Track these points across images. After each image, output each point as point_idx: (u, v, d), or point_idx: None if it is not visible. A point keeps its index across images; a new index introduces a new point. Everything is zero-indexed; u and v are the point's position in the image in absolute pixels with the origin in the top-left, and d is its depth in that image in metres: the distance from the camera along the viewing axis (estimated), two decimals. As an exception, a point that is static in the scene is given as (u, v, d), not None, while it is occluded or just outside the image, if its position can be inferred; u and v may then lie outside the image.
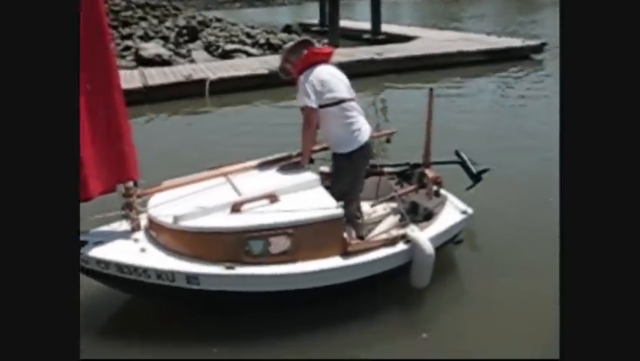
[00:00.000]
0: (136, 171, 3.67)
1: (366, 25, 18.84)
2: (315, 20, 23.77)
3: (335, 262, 3.52)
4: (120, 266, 3.38)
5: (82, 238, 3.50)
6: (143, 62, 13.25)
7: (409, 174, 4.52)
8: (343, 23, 18.93)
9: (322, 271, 3.47)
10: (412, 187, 4.42)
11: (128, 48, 14.23)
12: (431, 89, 4.18)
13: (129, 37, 15.01)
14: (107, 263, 3.39)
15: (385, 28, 18.43)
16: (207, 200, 3.56)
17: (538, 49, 14.16)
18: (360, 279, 3.61)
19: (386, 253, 3.65)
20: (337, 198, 3.69)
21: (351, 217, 3.92)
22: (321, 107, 3.73)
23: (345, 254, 3.56)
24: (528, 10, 29.93)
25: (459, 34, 17.12)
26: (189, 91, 10.96)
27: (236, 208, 3.47)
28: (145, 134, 8.94)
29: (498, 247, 4.48)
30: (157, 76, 11.59)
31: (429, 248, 3.65)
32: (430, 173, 4.30)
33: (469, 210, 4.15)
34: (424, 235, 3.74)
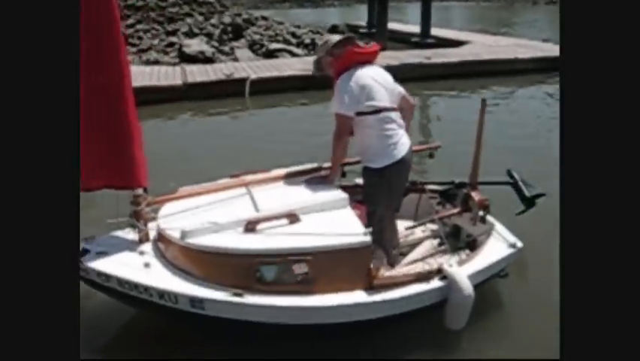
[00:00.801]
0: (145, 178, 3.38)
1: (416, 29, 18.27)
2: (363, 22, 23.31)
3: (358, 296, 3.06)
4: (121, 281, 3.10)
5: (85, 246, 3.28)
6: (185, 58, 13.10)
7: (452, 194, 4.00)
8: (392, 26, 18.45)
9: (342, 307, 3.02)
10: (454, 210, 3.91)
11: (172, 44, 14.10)
12: (484, 100, 3.65)
13: (174, 33, 14.90)
14: (107, 276, 3.13)
15: (435, 31, 17.80)
16: (221, 214, 3.20)
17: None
18: (386, 317, 3.15)
19: (417, 290, 3.17)
20: (368, 217, 3.28)
21: (382, 241, 3.44)
22: (357, 114, 3.29)
23: (371, 288, 3.09)
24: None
25: (512, 40, 16.36)
26: (229, 90, 10.69)
27: (250, 227, 3.08)
28: (178, 133, 8.84)
29: (547, 283, 3.88)
30: (198, 73, 11.38)
31: (467, 288, 3.15)
32: (476, 195, 3.77)
33: (519, 244, 3.61)
34: (463, 272, 3.23)
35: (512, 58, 12.64)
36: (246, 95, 10.70)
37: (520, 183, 4.11)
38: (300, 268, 2.97)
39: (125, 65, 3.27)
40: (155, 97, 10.02)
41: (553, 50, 13.90)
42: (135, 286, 3.08)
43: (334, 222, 3.15)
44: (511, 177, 4.21)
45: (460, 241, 3.88)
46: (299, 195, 3.38)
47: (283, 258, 2.96)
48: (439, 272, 3.25)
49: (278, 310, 2.97)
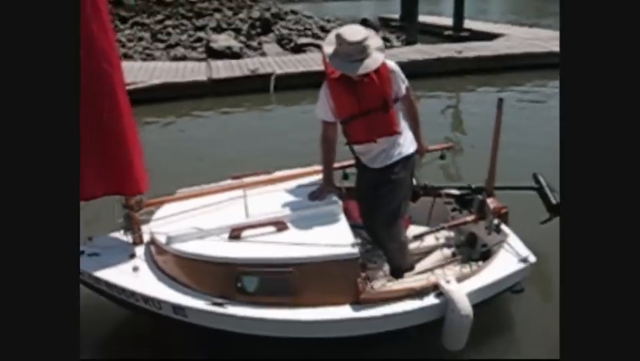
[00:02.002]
0: (144, 183, 3.30)
1: (449, 21, 17.79)
2: (396, 15, 22.90)
3: (343, 312, 2.87)
4: (109, 285, 3.13)
5: (80, 247, 3.27)
6: (213, 54, 13.04)
7: (468, 200, 3.72)
8: (423, 18, 18.03)
9: (325, 322, 2.84)
10: (468, 217, 3.63)
11: (199, 40, 14.07)
12: (500, 100, 3.34)
13: (202, 28, 14.88)
14: (97, 279, 3.16)
15: (469, 24, 17.28)
16: (210, 219, 3.11)
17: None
18: (373, 335, 2.94)
19: (408, 308, 2.93)
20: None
21: (387, 250, 3.25)
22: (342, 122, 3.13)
23: (357, 303, 2.89)
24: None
25: (551, 33, 15.69)
26: (254, 85, 10.57)
27: (235, 235, 2.96)
28: (201, 129, 8.75)
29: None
30: (223, 69, 11.28)
31: (465, 308, 2.87)
32: (492, 202, 3.48)
33: (531, 259, 3.26)
34: (462, 289, 2.95)
35: (547, 51, 12.09)
36: (270, 91, 10.55)
37: (547, 189, 3.83)
38: (282, 280, 2.84)
39: (117, 71, 3.18)
40: (179, 93, 10.03)
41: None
42: (122, 290, 3.08)
43: (322, 232, 2.99)
44: (537, 181, 3.94)
45: (475, 252, 3.60)
46: (292, 201, 3.24)
47: (265, 268, 2.84)
48: (435, 288, 2.99)
49: (258, 323, 2.87)
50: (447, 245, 3.64)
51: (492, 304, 3.25)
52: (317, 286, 2.86)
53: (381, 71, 3.10)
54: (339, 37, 3.00)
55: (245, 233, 2.99)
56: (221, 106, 9.90)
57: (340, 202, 3.24)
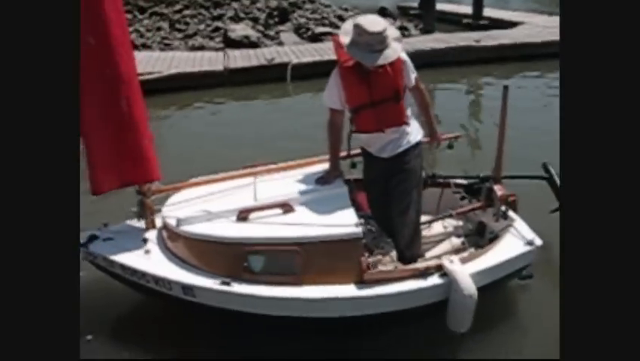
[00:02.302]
0: (156, 170, 3.43)
1: (468, 9, 17.57)
2: (415, 3, 22.68)
3: (346, 290, 2.93)
4: (122, 267, 3.26)
5: (95, 232, 3.42)
6: (230, 43, 13.01)
7: (477, 189, 3.72)
8: (442, 6, 17.80)
9: (329, 300, 2.90)
10: (475, 205, 3.66)
11: (217, 29, 14.06)
12: (506, 87, 3.36)
13: (219, 18, 14.85)
14: (111, 262, 3.30)
15: (489, 12, 17.05)
16: (220, 203, 3.20)
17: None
18: (377, 314, 2.98)
19: (412, 287, 2.97)
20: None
21: (401, 237, 3.27)
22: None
23: (361, 282, 2.94)
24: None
25: (572, 21, 15.46)
26: (271, 75, 10.56)
27: (242, 216, 3.05)
28: (217, 119, 8.80)
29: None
30: (240, 58, 11.29)
31: (468, 287, 2.90)
32: (499, 190, 3.49)
33: (537, 242, 3.26)
34: (465, 270, 2.97)
35: (568, 39, 11.90)
36: (287, 80, 10.55)
37: (556, 178, 3.82)
38: (288, 258, 2.90)
39: (132, 58, 3.27)
40: (196, 83, 10.07)
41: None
42: (134, 272, 3.20)
43: (327, 214, 3.05)
44: (547, 171, 3.93)
45: (484, 239, 3.61)
46: (299, 186, 3.31)
47: (271, 247, 2.92)
48: (439, 269, 3.02)
49: (264, 301, 2.93)
50: (456, 234, 3.65)
51: (500, 294, 3.23)
52: (321, 265, 2.93)
53: (395, 61, 3.12)
54: (358, 27, 3.00)
55: (252, 215, 3.07)
56: (238, 95, 9.93)
57: (345, 186, 3.30)
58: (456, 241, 3.58)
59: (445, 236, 3.66)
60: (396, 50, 3.08)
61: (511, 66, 10.95)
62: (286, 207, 3.10)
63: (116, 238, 3.40)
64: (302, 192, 3.23)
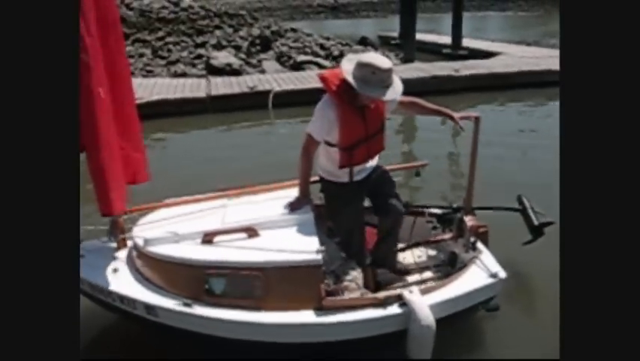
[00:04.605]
0: (145, 173, 3.69)
1: (448, 40, 17.97)
2: (395, 33, 23.12)
3: (304, 316, 2.94)
4: (90, 285, 3.28)
5: None
6: (213, 70, 13.14)
7: (449, 219, 3.77)
8: (423, 37, 18.22)
9: (286, 326, 2.91)
10: (445, 235, 3.71)
11: (200, 57, 14.20)
12: (477, 118, 3.45)
13: (202, 45, 15.02)
14: (80, 280, 3.27)
15: (467, 42, 17.50)
16: (188, 225, 3.25)
17: None
18: (335, 342, 2.99)
19: (370, 315, 2.97)
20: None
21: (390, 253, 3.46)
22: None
23: (320, 309, 2.96)
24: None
25: (548, 51, 15.84)
26: (253, 102, 10.63)
27: (207, 239, 3.10)
28: (198, 145, 8.80)
29: (545, 319, 3.60)
30: (222, 85, 11.38)
31: (426, 318, 2.90)
32: (470, 220, 3.54)
33: (501, 274, 3.24)
34: (424, 301, 2.98)
35: (543, 69, 12.21)
36: (269, 108, 10.64)
37: (530, 211, 3.87)
38: (247, 283, 2.94)
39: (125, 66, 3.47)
40: (179, 109, 10.12)
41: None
42: (101, 290, 3.23)
43: (290, 239, 3.09)
44: (520, 202, 3.97)
45: (455, 270, 3.64)
46: (268, 211, 3.35)
47: (232, 271, 2.95)
48: (399, 299, 3.03)
49: (222, 324, 2.95)
50: (428, 264, 3.70)
51: (470, 322, 3.24)
52: (281, 290, 2.95)
53: None
54: (370, 65, 3.05)
55: (217, 238, 3.11)
56: (220, 122, 9.97)
57: (311, 213, 3.34)
58: (427, 271, 3.61)
59: (416, 265, 3.69)
60: (399, 82, 3.20)
61: (489, 96, 11.18)
62: (250, 232, 3.14)
63: (87, 256, 3.39)
64: (269, 217, 3.26)
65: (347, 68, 3.14)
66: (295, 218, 3.28)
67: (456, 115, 3.47)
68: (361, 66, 3.08)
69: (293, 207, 3.37)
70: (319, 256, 2.95)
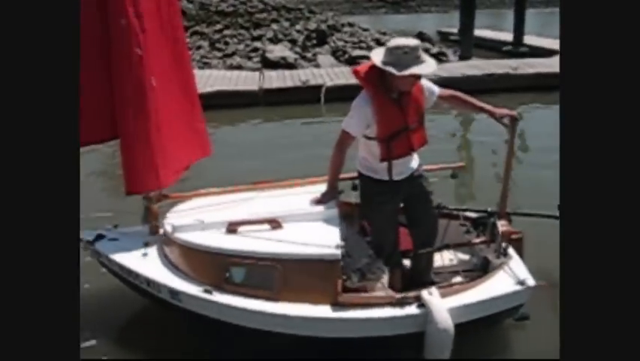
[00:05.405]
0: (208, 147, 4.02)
1: (509, 36, 17.45)
2: (456, 29, 22.66)
3: (320, 311, 2.94)
4: (120, 266, 3.43)
5: (102, 232, 3.68)
6: (268, 64, 13.26)
7: (483, 223, 3.66)
8: (482, 33, 17.77)
9: (299, 318, 2.92)
10: (476, 239, 3.63)
11: (256, 50, 14.34)
12: (513, 118, 3.31)
13: (259, 38, 15.15)
14: (110, 261, 3.48)
15: (529, 40, 16.90)
16: (217, 215, 3.34)
17: None
18: (349, 338, 2.97)
19: (386, 314, 2.93)
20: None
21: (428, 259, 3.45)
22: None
23: (335, 305, 2.95)
24: None
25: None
26: (305, 96, 10.69)
27: (231, 229, 3.16)
28: (248, 137, 8.89)
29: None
30: (276, 79, 11.47)
31: (444, 321, 2.82)
32: (502, 226, 3.41)
33: (530, 282, 3.08)
34: (442, 303, 2.90)
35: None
36: (321, 102, 10.64)
37: None
38: (267, 273, 2.98)
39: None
40: (231, 101, 10.26)
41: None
42: (130, 272, 3.38)
43: (312, 233, 3.10)
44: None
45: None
46: (295, 204, 3.38)
47: (251, 260, 2.99)
48: (418, 299, 2.97)
49: (240, 312, 3.00)
50: (458, 268, 3.63)
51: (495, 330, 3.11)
52: (298, 283, 2.98)
53: (417, 84, 3.20)
54: (400, 47, 3.04)
55: (241, 228, 3.18)
56: (271, 115, 10.07)
57: (336, 208, 3.34)
58: (457, 276, 3.51)
59: (447, 269, 3.63)
60: (432, 59, 3.16)
61: (548, 95, 10.78)
62: (274, 224, 3.18)
63: (121, 239, 3.59)
64: (293, 210, 3.30)
65: (377, 58, 3.11)
66: (320, 212, 3.29)
67: (498, 111, 3.35)
68: (391, 50, 3.05)
69: (319, 201, 3.38)
70: (338, 251, 2.94)
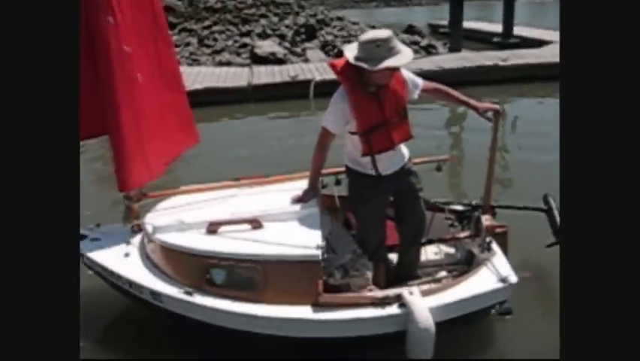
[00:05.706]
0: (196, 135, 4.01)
1: (498, 28, 17.43)
2: (446, 21, 22.62)
3: (301, 311, 2.92)
4: (102, 267, 3.40)
5: (84, 231, 3.61)
6: (257, 59, 13.20)
7: (467, 217, 3.64)
8: (472, 25, 17.77)
9: (282, 320, 2.90)
10: (461, 234, 3.59)
11: (245, 45, 14.28)
12: (497, 111, 3.26)
13: (247, 34, 15.09)
14: (92, 261, 3.45)
15: (519, 30, 16.87)
16: (197, 214, 3.29)
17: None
18: (330, 339, 2.95)
19: (367, 315, 2.91)
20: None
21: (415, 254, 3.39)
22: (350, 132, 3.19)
23: (316, 305, 2.92)
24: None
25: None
26: (294, 91, 10.65)
27: (212, 229, 3.13)
28: (237, 133, 8.85)
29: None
30: (264, 75, 11.43)
31: (425, 321, 2.80)
32: (486, 220, 3.38)
33: (512, 279, 3.05)
34: (424, 303, 2.88)
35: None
36: (310, 97, 10.60)
37: (556, 212, 3.68)
38: (248, 275, 2.96)
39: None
40: (220, 98, 10.22)
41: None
42: (112, 273, 3.35)
43: (292, 233, 3.07)
44: (547, 203, 3.79)
45: (472, 269, 3.51)
46: (277, 202, 3.34)
47: (232, 262, 2.97)
48: (399, 299, 2.95)
49: (220, 314, 2.99)
50: (442, 262, 3.61)
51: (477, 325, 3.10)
52: (279, 284, 2.95)
53: (397, 77, 3.13)
54: (372, 40, 2.97)
55: (222, 229, 3.14)
56: (260, 111, 10.03)
57: (317, 207, 3.29)
58: (441, 270, 3.50)
59: (431, 263, 3.60)
60: (408, 49, 3.09)
61: (537, 87, 10.79)
62: (255, 223, 3.14)
63: (103, 239, 3.55)
64: (274, 209, 3.25)
65: (350, 53, 3.06)
66: (300, 211, 3.25)
67: (481, 106, 3.31)
68: (363, 45, 2.99)
69: (300, 199, 3.34)
70: (318, 252, 2.91)
